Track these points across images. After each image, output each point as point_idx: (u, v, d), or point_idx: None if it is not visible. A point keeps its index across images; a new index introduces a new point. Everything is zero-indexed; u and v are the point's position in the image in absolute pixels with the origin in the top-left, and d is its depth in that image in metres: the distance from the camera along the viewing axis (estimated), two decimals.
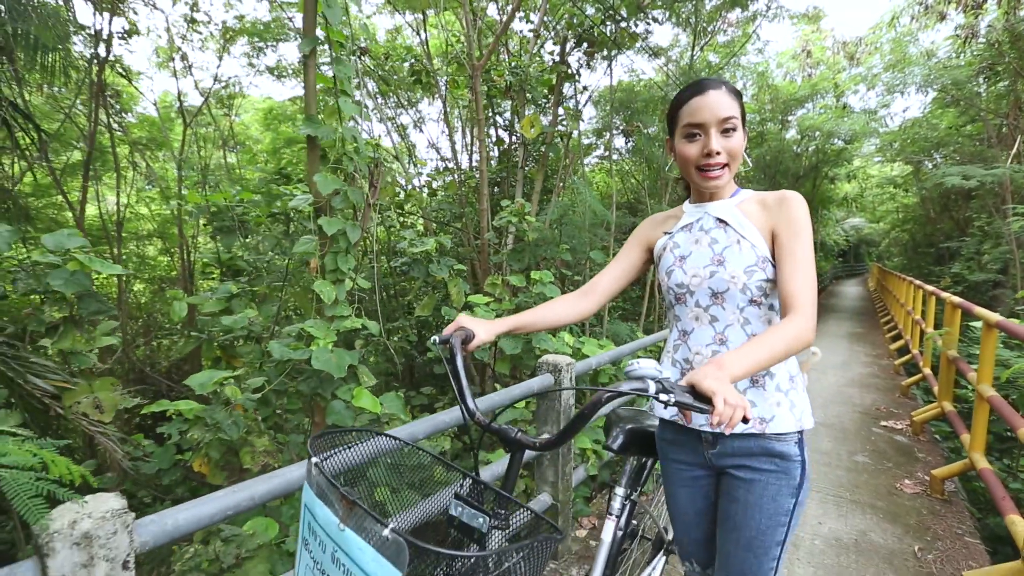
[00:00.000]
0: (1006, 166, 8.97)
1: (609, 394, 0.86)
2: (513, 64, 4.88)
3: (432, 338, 1.17)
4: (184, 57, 8.92)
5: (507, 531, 0.93)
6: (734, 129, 1.13)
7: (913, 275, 11.61)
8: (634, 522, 1.62)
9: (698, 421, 1.20)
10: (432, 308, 4.02)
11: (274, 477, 1.42)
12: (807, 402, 1.21)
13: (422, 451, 1.08)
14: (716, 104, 1.11)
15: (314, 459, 0.85)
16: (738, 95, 1.16)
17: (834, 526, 2.91)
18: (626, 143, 7.99)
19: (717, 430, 1.10)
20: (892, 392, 5.80)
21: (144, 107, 9.76)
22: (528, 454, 2.13)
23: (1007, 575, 2.12)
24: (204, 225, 5.66)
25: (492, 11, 6.71)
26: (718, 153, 1.13)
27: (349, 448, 1.00)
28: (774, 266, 1.14)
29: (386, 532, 0.70)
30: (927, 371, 5.33)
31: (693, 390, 0.85)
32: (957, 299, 4.24)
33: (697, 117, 1.12)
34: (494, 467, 2.24)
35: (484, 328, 1.18)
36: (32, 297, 2.66)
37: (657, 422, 1.47)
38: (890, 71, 10.73)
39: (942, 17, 9.13)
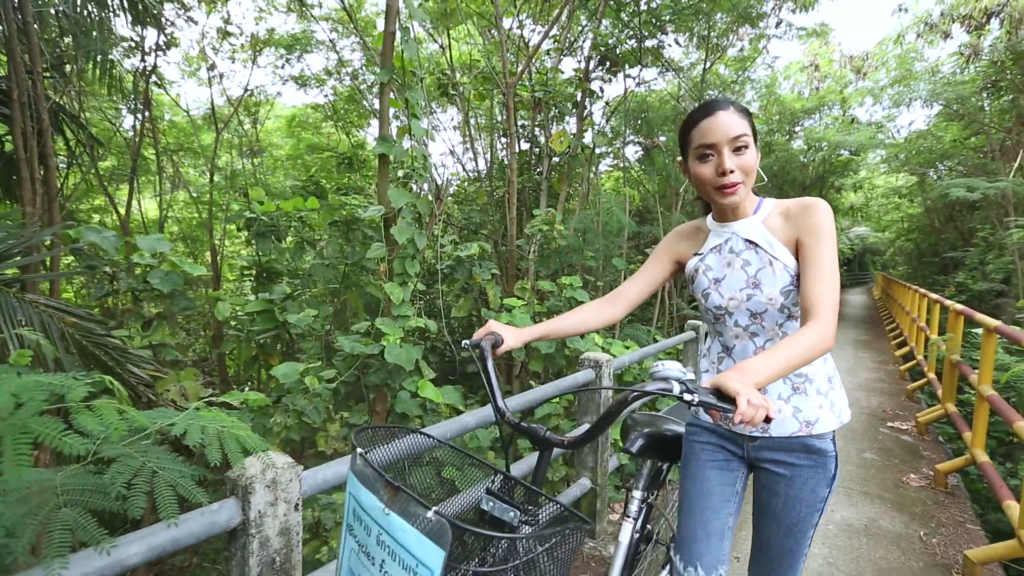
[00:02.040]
0: (1009, 179, 9.24)
1: (636, 393, 0.88)
2: (541, 81, 5.19)
3: (464, 342, 1.22)
4: (212, 67, 9.29)
5: (536, 525, 0.95)
6: (746, 147, 1.15)
7: (918, 284, 11.85)
8: (648, 526, 1.64)
9: (738, 425, 1.21)
10: (467, 310, 4.31)
11: (342, 463, 1.57)
12: (844, 397, 1.26)
13: (455, 449, 1.12)
14: (726, 124, 1.13)
15: (359, 450, 0.89)
16: (747, 113, 1.18)
17: (846, 514, 3.16)
18: (644, 151, 8.27)
19: (756, 432, 1.21)
20: (898, 396, 6.04)
21: (172, 113, 10.13)
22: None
23: (1004, 552, 2.38)
24: (238, 229, 5.95)
25: (510, 23, 7.04)
26: (732, 171, 1.14)
27: (387, 444, 1.05)
28: None
29: (430, 514, 0.74)
30: (931, 375, 5.58)
31: (718, 392, 0.87)
32: (960, 306, 4.50)
33: (708, 138, 1.15)
34: (523, 463, 2.32)
35: (513, 335, 1.22)
36: (121, 295, 2.95)
37: (675, 426, 1.53)
38: (896, 86, 11.05)
39: (947, 36, 9.46)
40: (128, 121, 7.08)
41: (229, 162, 9.91)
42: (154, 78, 7.80)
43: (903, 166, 14.27)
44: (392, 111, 2.80)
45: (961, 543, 2.84)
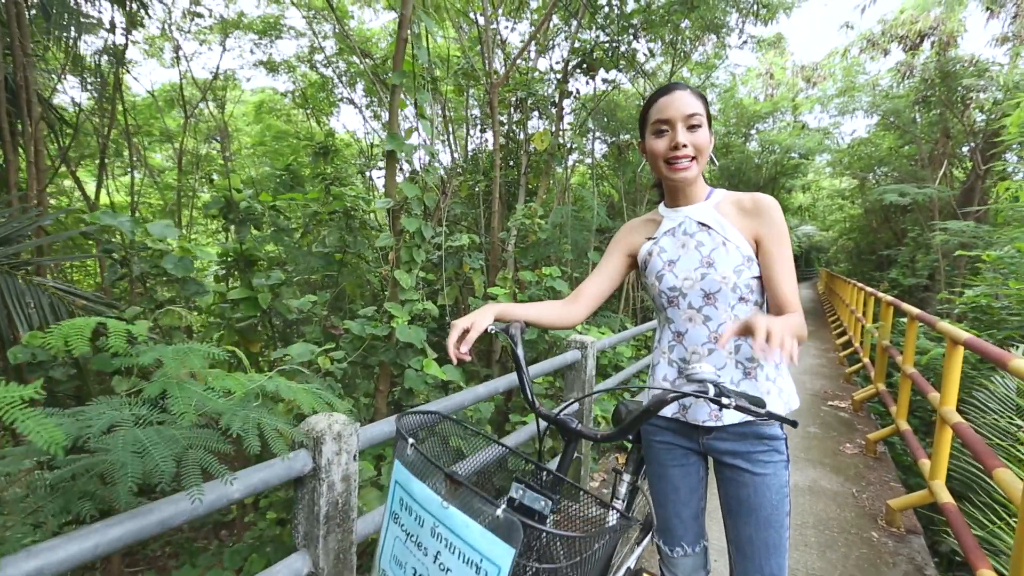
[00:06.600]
0: (934, 187, 10.26)
1: (674, 395, 0.91)
2: (523, 82, 5.44)
3: (490, 327, 1.18)
4: (177, 48, 9.01)
5: (560, 513, 0.95)
6: (699, 125, 1.19)
7: (857, 279, 12.89)
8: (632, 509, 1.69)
9: (699, 417, 1.25)
10: (454, 298, 4.55)
11: (386, 424, 1.76)
12: (792, 385, 1.30)
13: (482, 435, 1.13)
14: (681, 102, 1.18)
15: (410, 440, 0.88)
16: (703, 98, 1.23)
17: (793, 478, 3.63)
18: (617, 151, 8.67)
19: (718, 423, 1.23)
20: (837, 379, 6.72)
21: (137, 94, 9.75)
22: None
23: (918, 500, 2.87)
24: (214, 217, 5.93)
25: (483, 18, 7.23)
26: (684, 146, 1.19)
27: (421, 427, 1.04)
28: (758, 264, 1.23)
29: (499, 512, 0.73)
30: (866, 360, 6.25)
31: (747, 396, 0.91)
32: (890, 297, 5.11)
33: (664, 114, 1.20)
34: (520, 434, 2.62)
35: (513, 312, 1.28)
36: (130, 281, 3.03)
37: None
38: (842, 96, 11.98)
39: (886, 52, 10.35)
40: (90, 102, 6.82)
41: (195, 147, 9.66)
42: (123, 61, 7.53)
43: (846, 170, 15.41)
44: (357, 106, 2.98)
45: (885, 497, 3.35)
